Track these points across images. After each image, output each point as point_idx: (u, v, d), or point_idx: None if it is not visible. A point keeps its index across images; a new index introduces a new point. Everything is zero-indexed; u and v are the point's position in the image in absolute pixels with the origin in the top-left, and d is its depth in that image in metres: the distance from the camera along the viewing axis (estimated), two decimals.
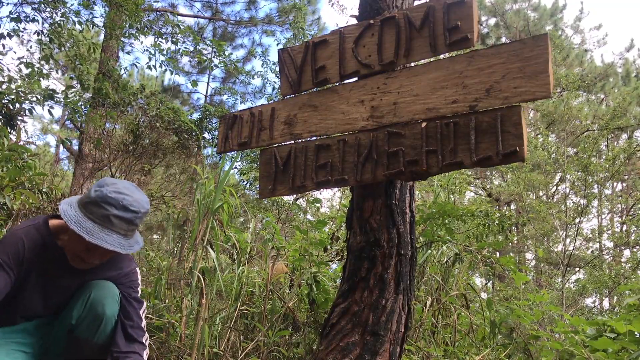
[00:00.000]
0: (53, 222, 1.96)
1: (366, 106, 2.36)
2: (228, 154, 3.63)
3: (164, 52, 6.86)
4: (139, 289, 2.13)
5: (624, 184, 16.41)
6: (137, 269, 2.16)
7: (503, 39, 16.84)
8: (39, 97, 5.23)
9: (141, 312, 2.09)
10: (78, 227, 1.71)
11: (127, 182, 1.90)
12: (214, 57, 7.56)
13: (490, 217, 4.61)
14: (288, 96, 2.71)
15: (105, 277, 2.02)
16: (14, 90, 5.10)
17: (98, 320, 1.95)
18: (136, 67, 7.73)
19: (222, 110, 9.26)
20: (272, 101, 3.59)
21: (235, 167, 8.88)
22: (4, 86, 5.16)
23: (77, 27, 6.02)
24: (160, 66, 7.04)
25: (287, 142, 2.63)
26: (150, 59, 6.80)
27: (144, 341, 2.07)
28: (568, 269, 9.86)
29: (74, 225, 1.71)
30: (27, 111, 5.17)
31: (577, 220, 10.65)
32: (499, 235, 4.72)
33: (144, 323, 2.10)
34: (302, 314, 3.70)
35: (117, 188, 1.80)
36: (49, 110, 5.63)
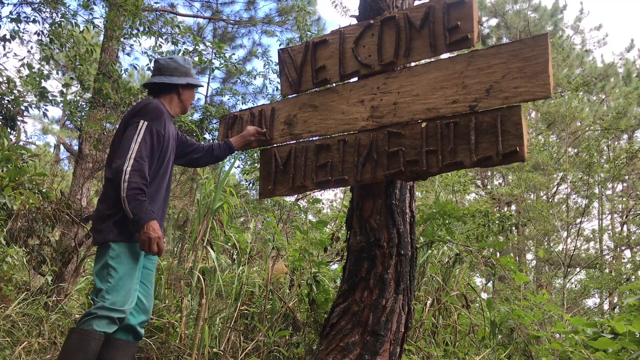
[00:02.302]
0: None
1: (366, 106, 2.36)
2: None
3: (164, 55, 6.86)
4: None
5: (624, 184, 16.40)
6: None
7: (504, 40, 16.84)
8: (35, 96, 5.22)
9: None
10: (199, 83, 2.57)
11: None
12: (214, 58, 7.55)
13: (491, 217, 4.60)
14: (288, 96, 2.71)
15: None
16: (13, 91, 5.09)
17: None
18: (136, 68, 7.72)
19: (223, 111, 9.25)
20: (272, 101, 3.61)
21: (238, 167, 8.88)
22: (3, 87, 5.16)
23: (77, 28, 6.02)
24: None
25: (287, 142, 2.63)
26: (150, 60, 6.80)
27: None
28: (569, 269, 9.85)
29: (197, 83, 2.53)
30: (23, 111, 5.16)
31: (578, 220, 10.65)
32: (499, 235, 4.72)
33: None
34: (302, 314, 3.70)
35: (176, 56, 2.57)
36: (43, 112, 5.60)
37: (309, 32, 9.11)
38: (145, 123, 2.27)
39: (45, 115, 5.70)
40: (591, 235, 13.75)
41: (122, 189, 2.13)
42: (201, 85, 2.63)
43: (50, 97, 5.30)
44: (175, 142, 2.56)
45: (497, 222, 4.62)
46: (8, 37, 5.64)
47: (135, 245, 2.23)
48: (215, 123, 9.04)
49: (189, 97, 2.56)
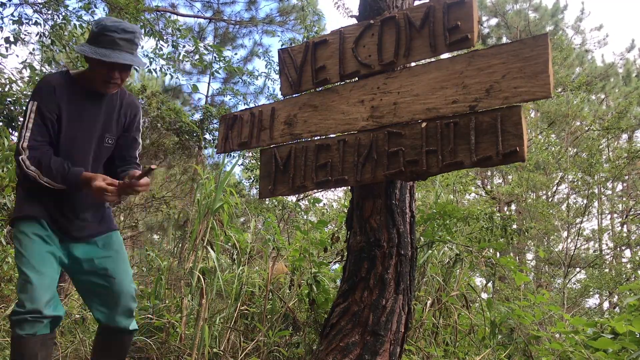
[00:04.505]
0: (72, 72, 2.28)
1: (366, 106, 2.36)
2: (230, 154, 3.64)
3: (164, 57, 6.88)
4: (141, 127, 2.49)
5: (624, 184, 16.40)
6: (140, 109, 2.49)
7: (504, 39, 16.85)
8: None
9: (138, 151, 2.45)
10: (95, 54, 2.06)
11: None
12: (214, 62, 7.55)
13: (494, 221, 4.61)
14: (288, 96, 2.71)
15: (123, 108, 2.34)
16: (16, 93, 5.12)
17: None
18: (136, 70, 7.74)
19: (224, 111, 9.26)
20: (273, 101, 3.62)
21: (240, 165, 8.90)
22: (6, 88, 5.18)
23: (79, 30, 6.04)
24: (161, 70, 7.06)
25: (287, 142, 2.63)
26: (150, 62, 6.82)
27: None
28: (569, 269, 9.85)
29: (92, 54, 2.07)
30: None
31: (577, 220, 10.66)
32: (501, 239, 4.73)
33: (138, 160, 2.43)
34: (302, 314, 3.71)
35: (112, 19, 2.15)
36: None
37: (312, 33, 9.12)
38: (35, 103, 2.13)
39: None
40: (591, 235, 13.75)
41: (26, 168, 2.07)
42: (109, 60, 2.06)
43: None
44: (108, 128, 2.30)
45: (500, 226, 4.63)
46: (11, 39, 5.66)
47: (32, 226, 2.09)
48: (216, 123, 9.05)
49: (95, 73, 2.15)
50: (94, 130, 2.25)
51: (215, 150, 3.00)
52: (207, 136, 8.92)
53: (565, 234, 10.83)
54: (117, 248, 2.29)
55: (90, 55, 2.08)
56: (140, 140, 2.47)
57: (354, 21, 2.64)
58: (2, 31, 5.90)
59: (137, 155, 2.44)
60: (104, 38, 2.09)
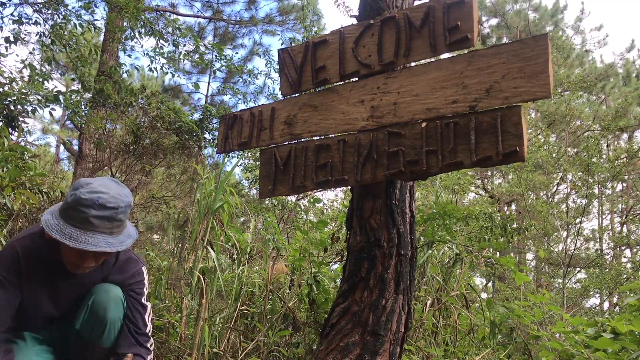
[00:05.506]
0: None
1: (366, 106, 2.36)
2: (230, 153, 3.64)
3: (165, 55, 6.89)
4: (144, 290, 2.10)
5: (624, 184, 16.41)
6: (144, 268, 2.12)
7: (504, 39, 16.86)
8: (39, 98, 5.25)
9: (146, 316, 2.07)
10: (60, 235, 1.69)
11: (106, 178, 1.86)
12: (215, 60, 7.56)
13: (494, 220, 4.61)
14: (288, 96, 2.71)
15: (108, 281, 2.02)
16: (16, 92, 5.12)
17: (102, 325, 1.96)
18: (137, 70, 7.75)
19: (224, 110, 9.26)
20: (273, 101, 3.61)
21: (240, 165, 8.89)
22: (5, 87, 5.18)
23: (79, 29, 6.05)
24: (161, 69, 7.07)
25: (287, 142, 2.63)
26: (151, 61, 6.84)
27: (148, 346, 2.05)
28: (569, 269, 9.85)
29: (55, 234, 1.69)
30: (29, 112, 5.20)
31: (577, 220, 10.66)
32: (501, 238, 4.73)
33: (149, 328, 2.07)
34: (302, 314, 3.71)
35: (92, 188, 1.75)
36: (50, 112, 5.68)
37: (312, 32, 9.13)
38: None
39: (51, 115, 5.75)
40: (591, 235, 13.76)
41: None
42: (74, 247, 1.70)
43: (65, 101, 5.34)
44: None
45: (499, 226, 4.63)
46: (11, 39, 5.67)
47: None
48: (215, 123, 9.05)
49: (63, 251, 1.82)
50: (66, 309, 2.00)
51: (215, 150, 2.98)
52: (207, 136, 8.92)
53: (565, 234, 10.83)
54: None
55: (52, 235, 1.69)
56: (140, 308, 2.05)
57: (354, 21, 2.64)
58: (2, 31, 5.91)
59: (144, 328, 2.04)
60: (75, 214, 1.72)
